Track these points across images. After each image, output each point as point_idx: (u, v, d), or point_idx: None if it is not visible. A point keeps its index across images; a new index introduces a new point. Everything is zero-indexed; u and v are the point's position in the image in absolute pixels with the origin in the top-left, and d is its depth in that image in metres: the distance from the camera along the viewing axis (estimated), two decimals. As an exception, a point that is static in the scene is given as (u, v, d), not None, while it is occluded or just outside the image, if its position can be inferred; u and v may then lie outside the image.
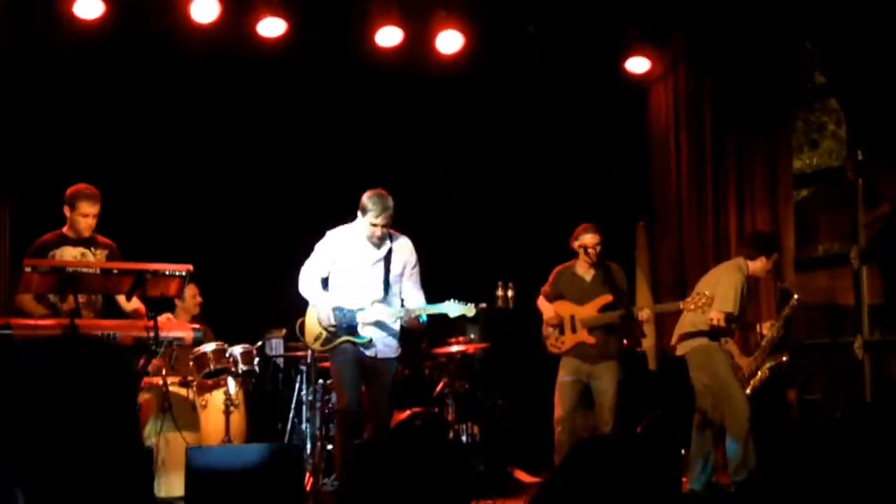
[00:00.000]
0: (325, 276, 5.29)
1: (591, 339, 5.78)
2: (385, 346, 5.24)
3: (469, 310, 5.18)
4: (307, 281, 5.27)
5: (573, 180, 7.97)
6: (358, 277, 5.21)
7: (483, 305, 7.13)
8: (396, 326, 5.28)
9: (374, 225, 5.12)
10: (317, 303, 5.22)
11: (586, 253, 5.81)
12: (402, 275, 5.26)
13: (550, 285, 6.01)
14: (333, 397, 6.43)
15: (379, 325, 5.20)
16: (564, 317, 5.86)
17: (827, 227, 7.51)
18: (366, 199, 5.13)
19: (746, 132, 7.20)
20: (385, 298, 5.20)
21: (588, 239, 5.80)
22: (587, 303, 5.84)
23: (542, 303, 5.99)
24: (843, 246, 7.00)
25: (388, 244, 5.23)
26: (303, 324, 5.34)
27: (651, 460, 4.93)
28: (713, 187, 7.36)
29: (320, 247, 5.29)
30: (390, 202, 5.12)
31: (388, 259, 5.22)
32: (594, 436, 5.74)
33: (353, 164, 7.58)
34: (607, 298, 5.80)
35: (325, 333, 5.20)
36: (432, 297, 5.35)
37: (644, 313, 5.78)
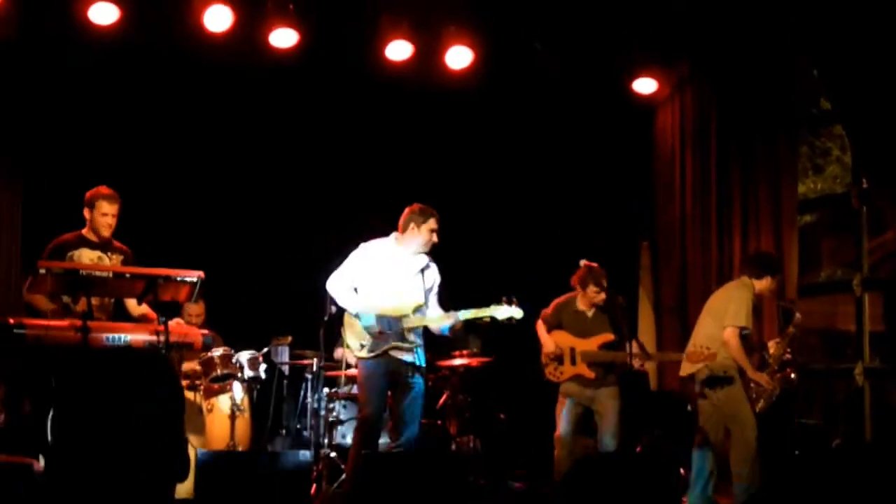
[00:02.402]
0: (354, 286, 5.33)
1: (590, 374, 5.87)
2: (420, 353, 5.31)
3: (517, 312, 5.21)
4: (342, 290, 5.31)
5: (578, 197, 8.01)
6: (400, 287, 5.28)
7: (487, 319, 7.18)
8: (422, 339, 5.35)
9: (434, 231, 5.27)
10: (361, 311, 5.26)
11: (593, 297, 5.88)
12: (430, 290, 5.37)
13: (551, 315, 6.08)
14: (338, 405, 6.48)
15: (418, 332, 5.28)
16: (564, 348, 5.94)
17: (830, 253, 7.56)
18: (417, 212, 5.28)
19: (752, 156, 7.24)
20: (423, 307, 5.29)
21: (593, 289, 5.88)
22: (588, 338, 5.92)
23: (541, 330, 6.04)
24: (846, 272, 7.05)
25: (424, 259, 5.35)
26: (343, 330, 5.37)
27: (651, 479, 4.96)
28: (717, 209, 7.40)
29: (355, 258, 5.35)
30: None
31: (422, 273, 5.34)
32: (595, 453, 5.77)
33: (360, 176, 7.63)
34: (608, 337, 5.91)
35: (371, 340, 5.23)
36: (446, 308, 5.42)
37: (636, 361, 5.82)
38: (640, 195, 8.07)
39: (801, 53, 6.86)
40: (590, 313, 5.99)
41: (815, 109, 7.56)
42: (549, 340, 5.98)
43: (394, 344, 5.21)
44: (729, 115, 7.40)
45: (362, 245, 5.39)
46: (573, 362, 5.91)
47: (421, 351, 5.31)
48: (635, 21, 7.12)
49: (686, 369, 5.83)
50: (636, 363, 5.84)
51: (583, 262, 6.06)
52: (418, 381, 5.29)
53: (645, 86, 7.65)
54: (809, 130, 7.75)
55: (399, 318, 5.23)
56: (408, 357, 5.24)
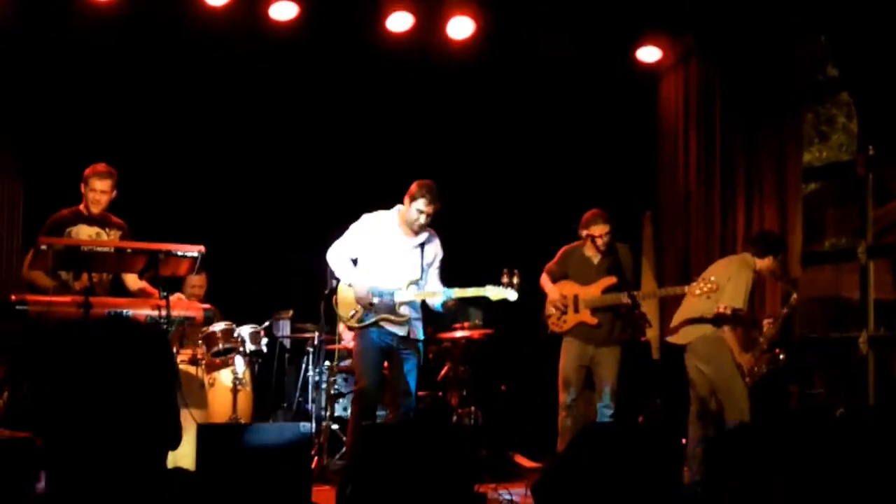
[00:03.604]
0: (354, 256, 5.35)
1: (592, 320, 5.82)
2: (415, 326, 5.32)
3: (510, 293, 5.19)
4: (339, 259, 5.34)
5: (581, 168, 7.98)
6: (395, 260, 5.29)
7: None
8: (419, 311, 5.35)
9: (421, 212, 5.22)
10: (353, 281, 5.28)
11: (593, 242, 5.84)
12: (430, 265, 5.36)
13: (556, 264, 6.04)
14: (339, 379, 6.52)
15: (413, 305, 5.29)
16: (568, 296, 5.89)
17: (834, 222, 7.50)
18: (417, 187, 5.24)
19: (756, 124, 7.18)
20: (419, 281, 5.29)
21: (597, 229, 5.83)
22: (592, 284, 5.88)
23: (545, 282, 6.01)
24: (851, 241, 7.01)
25: (424, 234, 5.35)
26: (335, 300, 5.40)
27: (652, 449, 4.98)
28: (721, 179, 7.35)
29: (356, 228, 5.37)
30: (440, 194, 5.25)
31: (422, 247, 5.34)
32: (598, 423, 5.77)
33: (361, 150, 7.61)
34: (611, 280, 5.82)
35: (361, 310, 5.26)
36: (446, 283, 5.42)
37: (624, 297, 5.72)
38: (643, 165, 8.03)
39: (808, 20, 6.79)
40: (595, 259, 5.92)
41: (822, 77, 7.47)
42: (554, 289, 5.94)
43: (384, 316, 5.23)
44: (734, 83, 7.32)
45: (364, 216, 5.40)
46: (576, 310, 5.87)
47: (417, 324, 5.33)
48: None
49: (678, 338, 5.82)
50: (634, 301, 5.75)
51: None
52: (412, 354, 5.31)
53: (649, 55, 7.59)
54: (815, 98, 7.67)
55: (391, 292, 5.24)
56: (399, 330, 5.26)
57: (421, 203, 5.21)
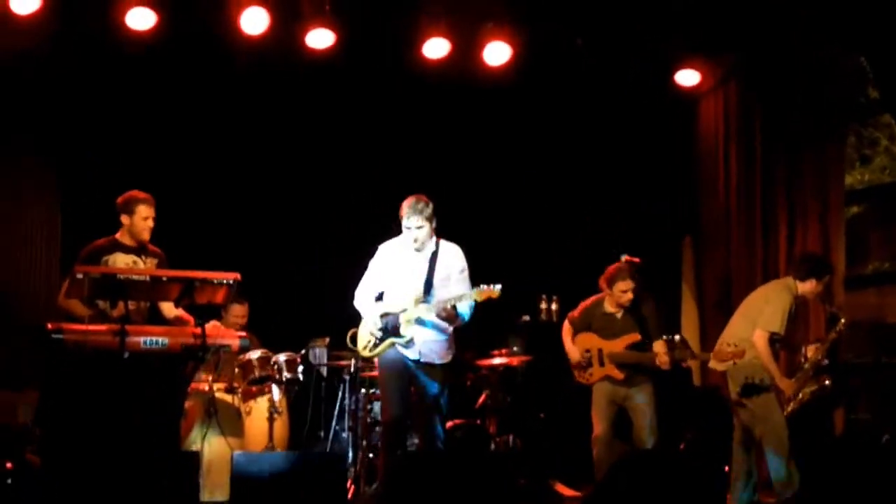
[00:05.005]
0: (379, 290, 5.30)
1: (619, 375, 5.83)
2: (429, 349, 5.16)
3: (493, 292, 4.98)
4: (360, 296, 5.32)
5: (620, 193, 7.93)
6: (402, 282, 5.21)
7: (526, 318, 7.10)
8: (443, 332, 5.19)
9: (408, 228, 5.14)
10: (365, 313, 5.26)
11: (619, 297, 5.81)
12: (447, 279, 5.19)
13: (579, 317, 6.05)
14: (376, 406, 6.48)
15: (421, 324, 5.13)
16: (592, 350, 5.90)
17: (877, 245, 7.40)
18: (403, 204, 5.18)
19: (797, 147, 7.10)
20: (426, 299, 5.13)
21: (620, 287, 5.80)
22: (616, 339, 5.86)
23: (566, 338, 6.02)
24: (894, 264, 6.89)
25: (431, 248, 5.22)
26: (355, 334, 5.39)
27: (694, 477, 4.89)
28: (762, 202, 7.27)
29: (371, 262, 5.34)
30: (422, 206, 5.11)
31: (432, 263, 5.20)
32: (637, 450, 5.70)
33: (399, 175, 7.61)
34: (635, 337, 5.83)
35: (372, 339, 5.23)
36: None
37: (662, 360, 5.70)
38: (683, 189, 7.96)
39: (849, 42, 6.70)
40: (619, 315, 5.92)
41: (863, 98, 7.39)
42: (574, 349, 5.97)
43: (391, 340, 5.16)
44: (774, 106, 7.25)
45: (379, 247, 5.36)
46: (601, 363, 5.89)
47: (435, 346, 5.16)
48: (678, 13, 7.00)
49: (717, 366, 5.74)
50: (678, 355, 5.74)
51: (624, 257, 5.99)
52: (429, 378, 5.15)
53: (688, 78, 7.54)
54: (857, 120, 7.58)
55: (398, 314, 5.16)
56: (410, 353, 5.14)
57: (404, 220, 5.14)
